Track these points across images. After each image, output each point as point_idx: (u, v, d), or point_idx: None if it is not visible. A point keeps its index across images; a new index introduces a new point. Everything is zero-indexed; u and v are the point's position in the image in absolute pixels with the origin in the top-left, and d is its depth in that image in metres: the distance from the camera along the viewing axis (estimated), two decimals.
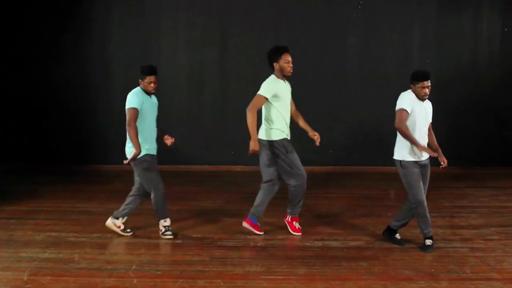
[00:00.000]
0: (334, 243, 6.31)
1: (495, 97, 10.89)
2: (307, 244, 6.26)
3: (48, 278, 5.21)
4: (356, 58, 10.80)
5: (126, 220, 6.54)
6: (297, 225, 6.65)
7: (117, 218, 6.50)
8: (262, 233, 6.56)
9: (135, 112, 6.10)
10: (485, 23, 10.82)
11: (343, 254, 5.95)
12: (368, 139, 10.73)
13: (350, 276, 5.32)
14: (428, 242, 6.04)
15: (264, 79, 6.42)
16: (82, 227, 6.82)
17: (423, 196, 5.92)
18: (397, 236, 6.31)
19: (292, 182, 6.38)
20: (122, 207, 6.49)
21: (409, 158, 5.92)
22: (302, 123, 6.72)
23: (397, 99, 6.02)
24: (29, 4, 10.54)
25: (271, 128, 6.36)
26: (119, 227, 6.50)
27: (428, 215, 5.97)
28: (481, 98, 10.83)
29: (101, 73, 10.74)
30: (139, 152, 6.04)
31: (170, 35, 10.74)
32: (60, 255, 5.85)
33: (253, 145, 6.20)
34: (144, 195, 6.45)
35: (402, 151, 5.97)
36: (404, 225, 6.27)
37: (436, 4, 10.73)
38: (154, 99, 6.41)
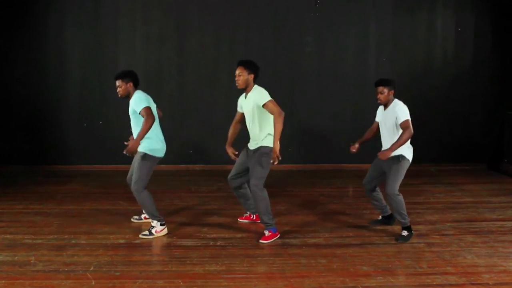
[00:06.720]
0: (293, 241, 6.34)
1: (449, 96, 11.13)
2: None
3: (3, 281, 5.09)
4: (313, 57, 10.87)
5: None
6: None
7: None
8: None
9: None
10: (439, 22, 11.05)
11: (302, 252, 5.99)
12: (325, 137, 10.81)
13: (309, 273, 5.36)
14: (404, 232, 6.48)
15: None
16: (38, 229, 6.68)
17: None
18: (379, 217, 7.05)
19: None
20: None
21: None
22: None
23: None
24: None
25: None
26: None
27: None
28: (435, 96, 11.06)
29: (57, 71, 10.52)
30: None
31: (126, 32, 10.61)
32: (16, 257, 5.72)
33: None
34: None
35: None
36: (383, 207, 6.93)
37: (392, 4, 10.91)
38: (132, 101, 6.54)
